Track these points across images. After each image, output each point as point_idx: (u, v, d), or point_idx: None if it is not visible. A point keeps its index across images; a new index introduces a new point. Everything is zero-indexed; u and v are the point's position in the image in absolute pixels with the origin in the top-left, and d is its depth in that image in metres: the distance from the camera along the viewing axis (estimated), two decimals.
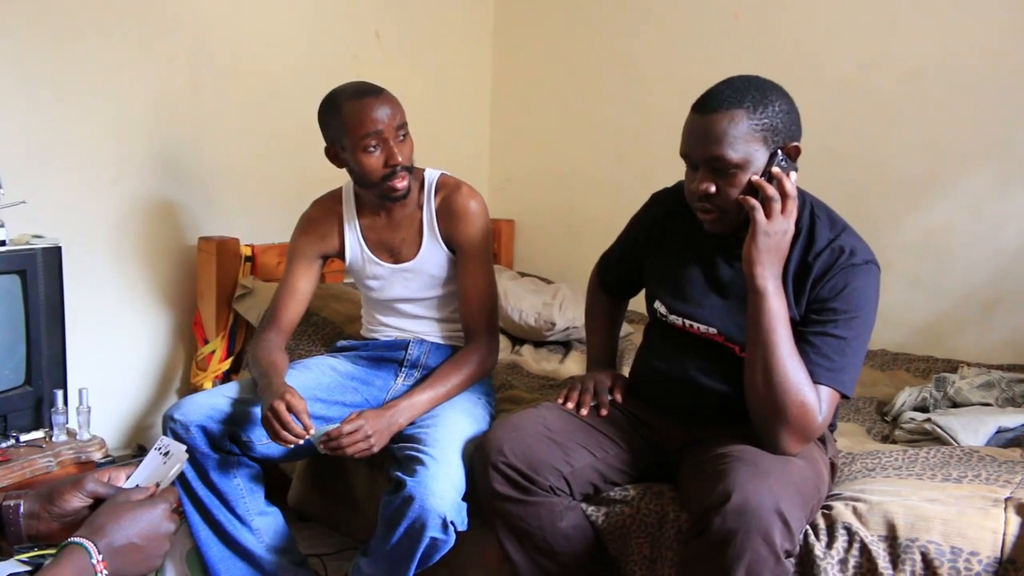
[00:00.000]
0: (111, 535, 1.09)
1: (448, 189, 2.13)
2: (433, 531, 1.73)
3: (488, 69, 3.93)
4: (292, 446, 1.86)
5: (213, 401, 1.99)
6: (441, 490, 1.74)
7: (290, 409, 1.81)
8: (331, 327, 2.62)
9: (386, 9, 3.42)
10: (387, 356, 2.21)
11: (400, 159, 1.99)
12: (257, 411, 1.97)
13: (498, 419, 2.01)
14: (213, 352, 2.78)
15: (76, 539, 1.06)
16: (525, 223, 3.90)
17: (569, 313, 2.95)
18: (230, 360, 2.80)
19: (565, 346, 2.97)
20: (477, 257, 2.12)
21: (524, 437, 1.73)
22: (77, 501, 1.20)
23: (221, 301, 2.81)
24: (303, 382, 2.05)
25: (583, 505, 1.78)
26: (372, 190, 2.07)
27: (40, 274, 2.15)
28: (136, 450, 2.81)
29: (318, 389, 2.07)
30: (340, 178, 2.18)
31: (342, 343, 2.32)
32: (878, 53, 2.90)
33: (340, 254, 2.20)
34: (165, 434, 1.93)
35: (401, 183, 2.03)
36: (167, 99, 2.78)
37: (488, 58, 3.92)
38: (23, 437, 2.14)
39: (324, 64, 3.15)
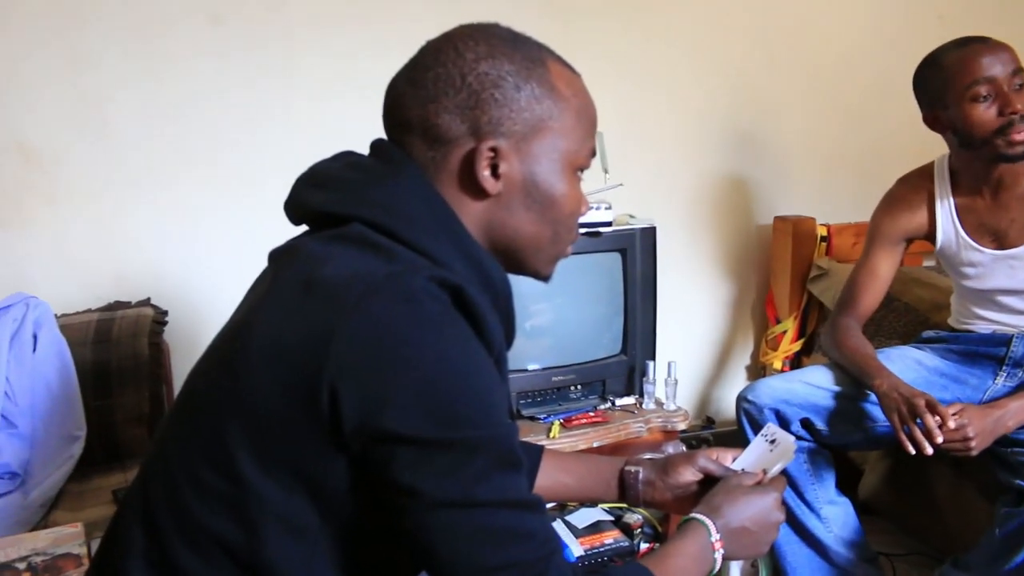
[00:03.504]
0: (727, 516, 1.11)
1: None
2: None
3: None
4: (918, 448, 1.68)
5: (788, 385, 1.96)
6: None
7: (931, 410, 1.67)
8: (914, 315, 2.44)
9: None
10: (984, 352, 1.97)
11: (1019, 107, 1.72)
12: (834, 400, 1.91)
13: None
14: (784, 332, 2.77)
15: (697, 516, 1.10)
16: None
17: None
18: (801, 341, 2.77)
19: None
20: None
21: None
22: (689, 475, 1.26)
23: (795, 281, 2.78)
24: None
25: None
26: (983, 150, 1.80)
27: (638, 252, 2.30)
28: (705, 421, 2.92)
29: None
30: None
31: (928, 334, 2.13)
32: None
33: (929, 236, 1.99)
34: (738, 414, 1.96)
35: (1021, 135, 1.74)
36: (744, 76, 2.82)
37: None
38: (618, 402, 2.32)
39: (902, 27, 2.95)
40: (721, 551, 1.08)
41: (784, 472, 1.89)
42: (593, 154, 1.04)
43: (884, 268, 2.03)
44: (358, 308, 0.82)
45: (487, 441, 0.84)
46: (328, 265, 0.88)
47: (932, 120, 1.87)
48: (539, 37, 2.48)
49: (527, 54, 0.97)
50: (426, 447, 0.81)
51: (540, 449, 1.33)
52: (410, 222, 0.92)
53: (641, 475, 1.29)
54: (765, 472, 1.22)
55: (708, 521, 1.09)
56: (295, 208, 0.99)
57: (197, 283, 2.30)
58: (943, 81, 1.79)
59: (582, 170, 1.03)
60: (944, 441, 1.66)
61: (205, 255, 2.30)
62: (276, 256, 0.98)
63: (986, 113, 1.75)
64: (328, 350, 0.81)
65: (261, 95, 2.31)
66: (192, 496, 0.89)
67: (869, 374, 1.85)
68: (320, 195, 0.96)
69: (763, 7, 2.82)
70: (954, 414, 1.67)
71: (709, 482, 1.23)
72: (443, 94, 0.94)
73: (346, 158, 1.02)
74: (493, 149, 0.94)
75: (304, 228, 1.01)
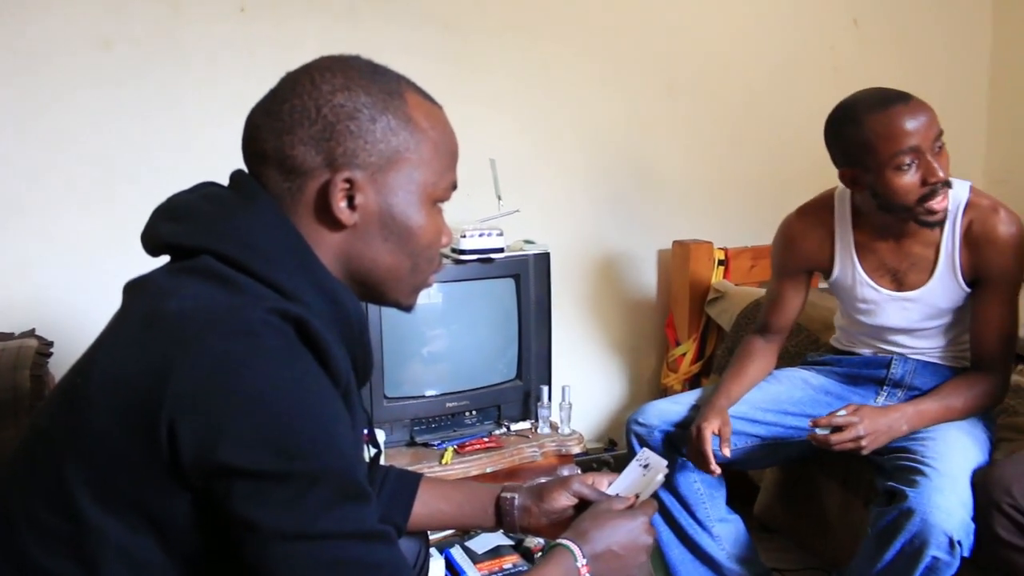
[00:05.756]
0: (594, 541, 1.12)
1: (980, 211, 1.80)
2: (936, 550, 1.55)
3: (986, 47, 3.49)
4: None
5: (676, 407, 2.00)
6: (948, 505, 1.56)
7: (717, 434, 1.82)
8: (805, 334, 2.50)
9: None
10: (866, 374, 2.02)
11: (941, 175, 1.69)
12: None
13: (1003, 453, 1.79)
14: (684, 354, 2.82)
15: (563, 541, 1.11)
16: None
17: None
18: (700, 363, 2.82)
19: None
20: (1005, 291, 1.81)
21: None
22: (564, 500, 1.27)
23: (694, 304, 2.83)
24: (772, 394, 2.00)
25: None
26: (901, 214, 1.77)
27: (531, 278, 2.32)
28: (607, 444, 2.94)
29: (788, 402, 1.98)
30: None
31: (813, 357, 2.18)
32: None
33: (826, 269, 1.98)
34: (628, 437, 1.99)
35: (942, 203, 1.72)
36: (642, 105, 2.87)
37: (987, 34, 3.48)
38: (513, 427, 2.34)
39: (798, 59, 3.05)
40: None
41: (659, 494, 1.94)
42: (454, 187, 1.04)
43: (791, 296, 2.04)
44: (197, 342, 0.82)
45: (327, 473, 0.83)
46: (172, 298, 0.87)
47: (850, 179, 1.81)
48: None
49: (384, 86, 0.97)
50: (263, 479, 0.80)
51: (418, 477, 1.33)
52: (260, 255, 0.91)
53: (517, 501, 1.29)
54: (637, 496, 1.24)
55: (574, 546, 1.10)
56: (149, 240, 0.98)
57: (86, 313, 2.23)
58: (864, 145, 1.71)
59: (442, 202, 1.04)
60: (835, 443, 1.72)
61: (95, 284, 2.25)
62: (128, 289, 0.97)
63: (910, 182, 1.70)
64: (166, 385, 0.80)
65: (153, 122, 2.27)
66: (29, 537, 0.86)
67: (714, 392, 1.96)
68: (172, 227, 0.95)
69: (664, 37, 2.88)
70: (848, 414, 1.74)
71: (584, 507, 1.23)
72: (298, 125, 0.94)
73: (203, 189, 1.00)
74: (348, 180, 0.94)
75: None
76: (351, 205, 0.95)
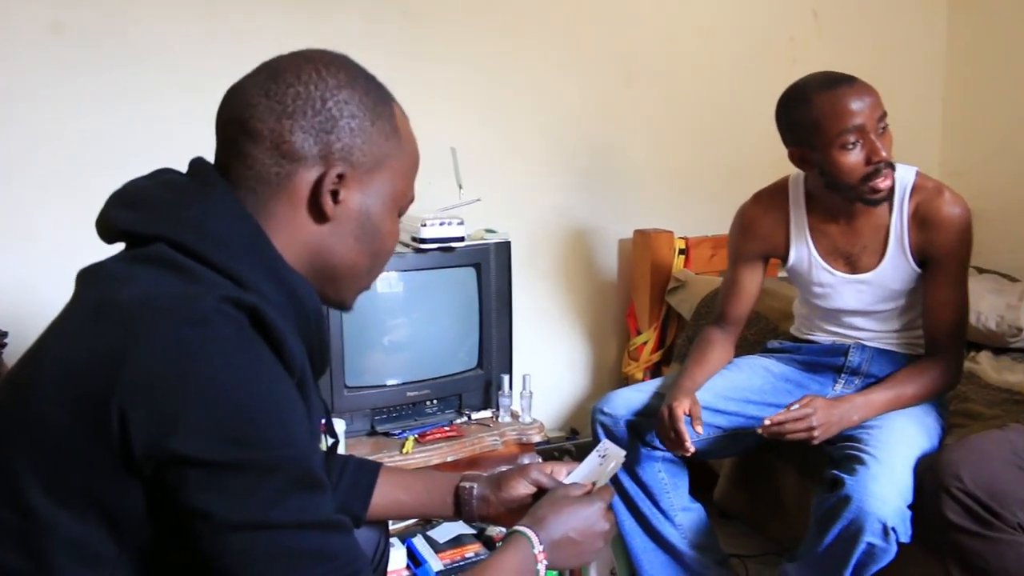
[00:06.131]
0: (550, 528, 1.13)
1: (926, 193, 1.86)
2: (871, 536, 1.59)
3: (942, 41, 3.54)
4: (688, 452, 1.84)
5: (640, 396, 2.01)
6: (883, 492, 1.60)
7: (688, 414, 1.81)
8: (764, 323, 2.53)
9: None
10: (824, 362, 2.06)
11: (884, 154, 1.75)
12: None
13: (954, 438, 1.81)
14: (645, 343, 2.83)
15: (521, 528, 1.12)
16: (985, 212, 3.45)
17: None
18: (661, 352, 2.84)
19: None
20: (953, 272, 1.86)
21: (987, 463, 1.55)
22: (522, 488, 1.28)
23: (654, 293, 2.85)
24: (734, 383, 2.02)
25: None
26: (847, 193, 1.83)
27: (492, 267, 2.31)
28: (569, 433, 2.96)
29: (749, 391, 2.01)
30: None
31: (773, 344, 2.21)
32: None
33: (782, 255, 2.03)
34: (593, 426, 2.00)
35: (885, 182, 1.77)
36: (603, 94, 2.88)
37: (942, 29, 3.53)
38: (474, 416, 2.33)
39: (758, 50, 3.07)
40: (544, 562, 1.10)
41: (623, 485, 1.96)
42: (411, 202, 1.07)
43: (747, 283, 2.08)
44: (149, 330, 0.81)
45: (281, 462, 0.83)
46: (125, 287, 0.86)
47: (798, 158, 1.87)
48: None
49: (378, 92, 1.00)
50: (217, 469, 0.80)
51: (377, 467, 1.33)
52: (216, 243, 0.90)
53: (475, 491, 1.30)
54: (594, 484, 1.25)
55: (531, 533, 1.11)
56: (104, 226, 0.97)
57: (42, 303, 2.18)
58: (812, 124, 1.78)
59: (401, 214, 1.06)
60: (789, 433, 1.75)
61: (51, 275, 2.19)
62: (81, 277, 0.95)
63: (854, 161, 1.76)
64: (119, 373, 0.79)
65: (110, 110, 2.23)
66: None
67: (676, 378, 1.97)
68: (127, 214, 0.94)
69: (624, 26, 2.88)
70: (801, 406, 1.77)
71: (543, 496, 1.24)
72: (301, 113, 0.94)
73: (160, 176, 0.99)
74: (340, 176, 0.95)
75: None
76: (335, 200, 0.97)
